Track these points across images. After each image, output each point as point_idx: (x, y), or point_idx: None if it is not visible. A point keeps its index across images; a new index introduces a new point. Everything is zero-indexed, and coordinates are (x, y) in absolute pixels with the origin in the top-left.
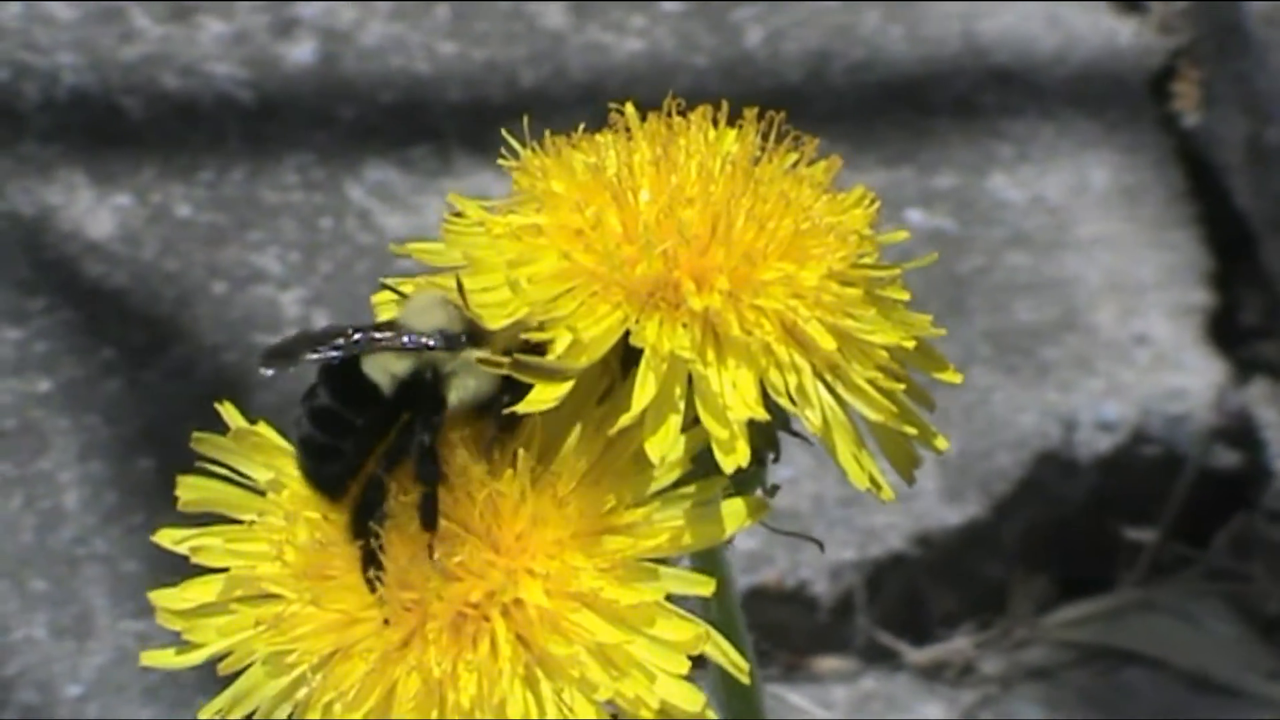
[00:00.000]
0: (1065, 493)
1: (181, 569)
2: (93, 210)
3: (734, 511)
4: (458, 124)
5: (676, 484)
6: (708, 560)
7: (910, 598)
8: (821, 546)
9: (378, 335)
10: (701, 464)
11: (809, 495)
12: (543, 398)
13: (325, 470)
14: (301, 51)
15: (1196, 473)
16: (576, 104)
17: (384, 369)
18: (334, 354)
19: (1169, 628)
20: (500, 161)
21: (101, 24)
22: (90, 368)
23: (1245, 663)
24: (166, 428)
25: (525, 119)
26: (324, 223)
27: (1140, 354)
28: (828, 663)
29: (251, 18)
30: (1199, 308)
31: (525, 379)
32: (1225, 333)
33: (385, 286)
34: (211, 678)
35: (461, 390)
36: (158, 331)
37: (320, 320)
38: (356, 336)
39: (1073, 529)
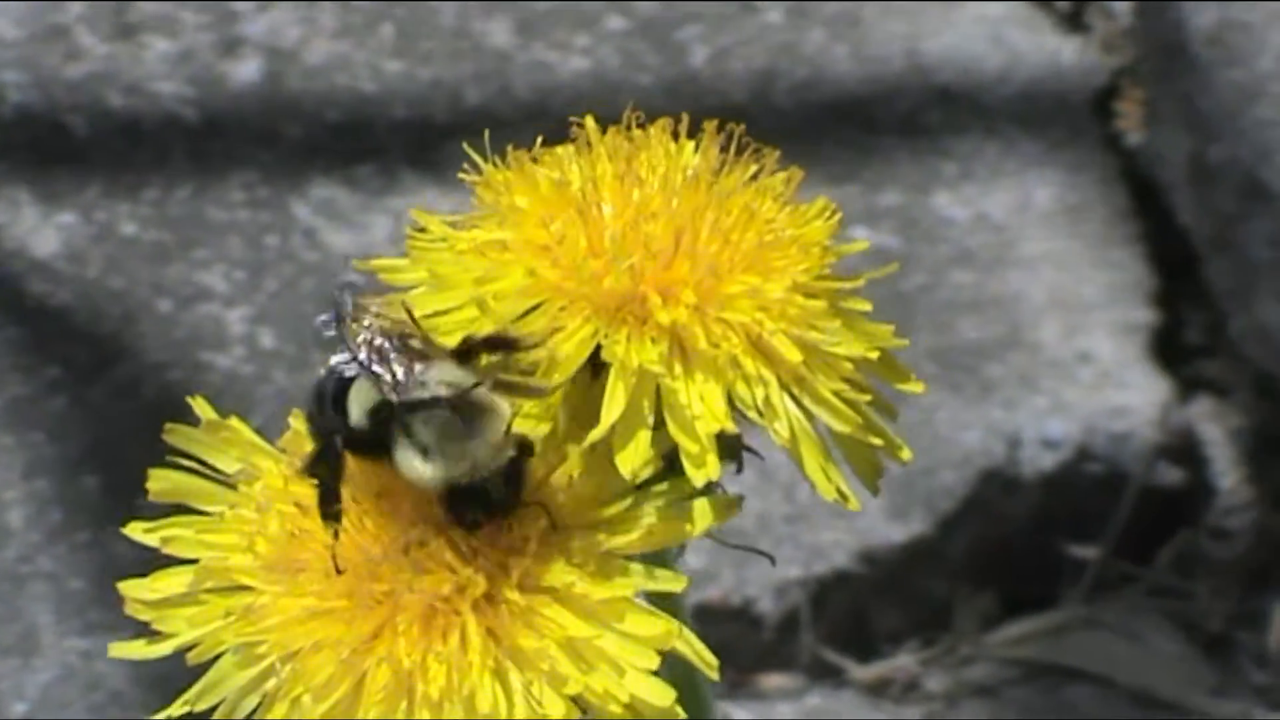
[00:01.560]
0: (1009, 510)
1: None
2: (37, 228)
3: (703, 510)
4: (403, 142)
5: (649, 481)
6: (659, 559)
7: (855, 615)
8: (772, 560)
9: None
10: (671, 463)
11: (754, 512)
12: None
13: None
14: (246, 70)
15: (1140, 490)
16: (522, 122)
17: (359, 396)
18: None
19: (1113, 645)
20: (461, 175)
21: (46, 42)
22: (35, 385)
23: (1188, 679)
24: (112, 445)
25: (484, 134)
26: (270, 241)
27: (1084, 372)
28: (773, 680)
29: (196, 36)
30: (1142, 326)
31: (509, 397)
32: (1169, 351)
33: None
34: (158, 695)
35: (408, 455)
36: (103, 349)
37: (265, 339)
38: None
39: (1017, 546)
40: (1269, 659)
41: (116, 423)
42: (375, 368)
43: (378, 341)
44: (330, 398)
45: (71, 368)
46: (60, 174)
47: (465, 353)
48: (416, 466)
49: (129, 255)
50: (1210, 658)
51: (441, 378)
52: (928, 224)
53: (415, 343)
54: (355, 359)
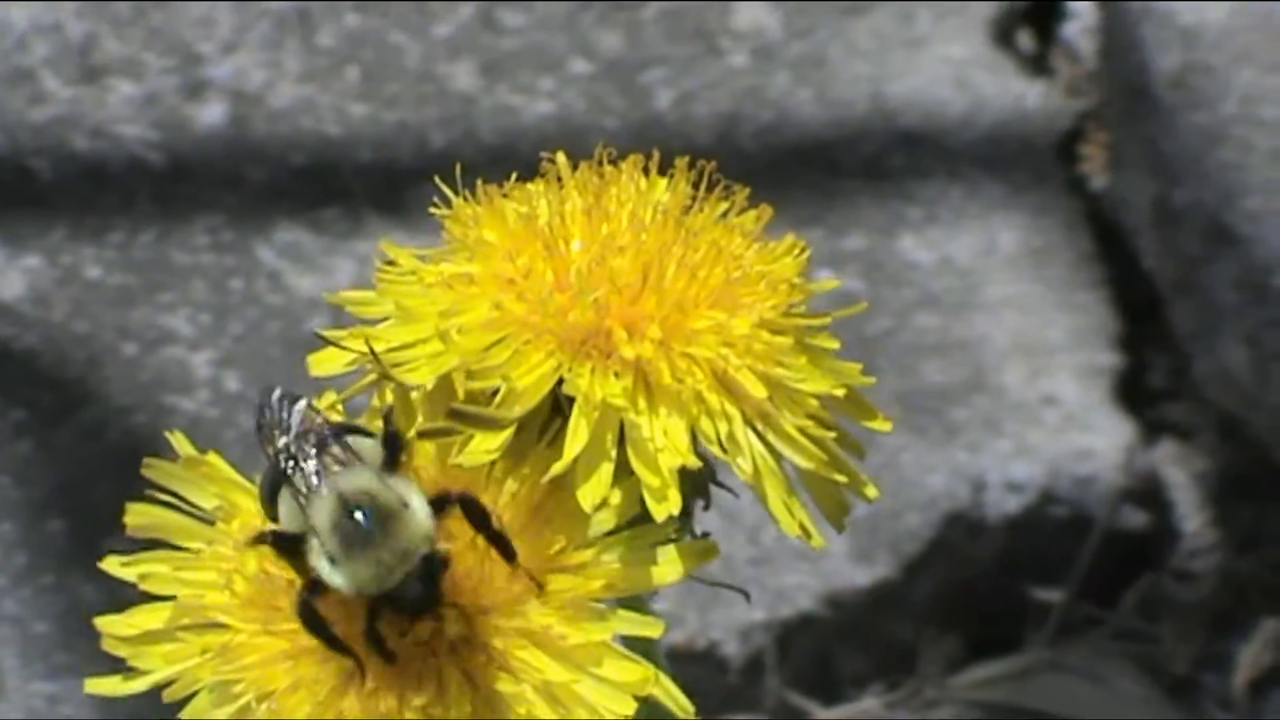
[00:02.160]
0: (974, 553)
1: (91, 633)
2: (2, 271)
3: (673, 557)
4: (368, 185)
5: (623, 527)
6: (634, 603)
7: (820, 658)
8: (747, 596)
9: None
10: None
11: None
12: (484, 447)
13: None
14: (211, 113)
15: (1104, 533)
16: (488, 165)
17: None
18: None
19: (1077, 688)
20: (432, 210)
21: (10, 86)
22: (0, 429)
23: None
24: (77, 489)
25: (451, 178)
26: (234, 284)
27: (1049, 415)
28: None
29: (161, 79)
30: (1107, 369)
31: (464, 428)
32: (1133, 394)
33: (320, 338)
34: None
35: (321, 562)
36: (68, 393)
37: (231, 382)
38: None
39: (981, 589)
40: (1233, 702)
41: (82, 466)
42: (290, 471)
43: (295, 445)
44: (267, 493)
45: (37, 411)
46: (25, 217)
47: (394, 445)
48: (326, 574)
49: (94, 299)
50: (1175, 700)
51: (354, 484)
52: (892, 267)
53: (335, 447)
54: (271, 462)
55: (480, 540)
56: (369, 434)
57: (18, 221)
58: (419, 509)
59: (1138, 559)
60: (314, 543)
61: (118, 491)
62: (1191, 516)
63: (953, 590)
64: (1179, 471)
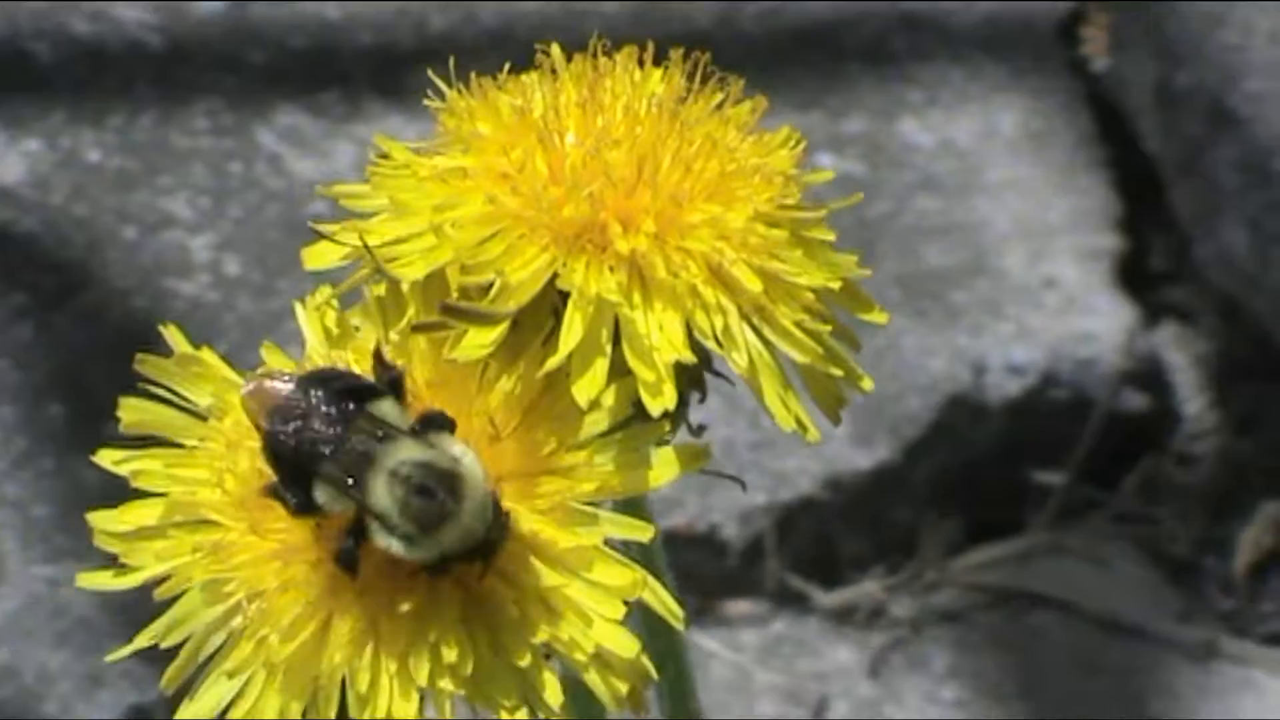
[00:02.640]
0: (975, 436)
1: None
2: (2, 155)
3: (668, 460)
4: (368, 69)
5: (616, 428)
6: (630, 504)
7: (821, 542)
8: (743, 485)
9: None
10: (642, 409)
11: (719, 439)
12: (477, 342)
13: None
14: None
15: (1105, 416)
16: (487, 49)
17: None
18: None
19: (1078, 571)
20: (426, 102)
21: None
22: (0, 312)
23: (1154, 605)
24: (76, 372)
25: (450, 61)
26: (234, 168)
27: (1049, 298)
28: (738, 606)
29: None
30: (1108, 252)
31: (457, 324)
32: (1134, 277)
33: (314, 231)
34: (124, 623)
35: (390, 542)
36: (67, 276)
37: (230, 266)
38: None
39: (982, 473)
40: (1234, 584)
41: (82, 350)
42: (320, 458)
43: (311, 428)
44: (288, 480)
45: (36, 295)
46: (24, 101)
47: (399, 388)
48: (401, 550)
49: (93, 182)
50: (1176, 583)
51: (401, 457)
52: (893, 150)
53: (361, 420)
54: (286, 449)
55: None
56: (373, 387)
57: (17, 105)
58: (464, 454)
59: (1138, 442)
60: (375, 524)
61: (117, 375)
62: (1192, 399)
63: (953, 473)
64: (1180, 354)
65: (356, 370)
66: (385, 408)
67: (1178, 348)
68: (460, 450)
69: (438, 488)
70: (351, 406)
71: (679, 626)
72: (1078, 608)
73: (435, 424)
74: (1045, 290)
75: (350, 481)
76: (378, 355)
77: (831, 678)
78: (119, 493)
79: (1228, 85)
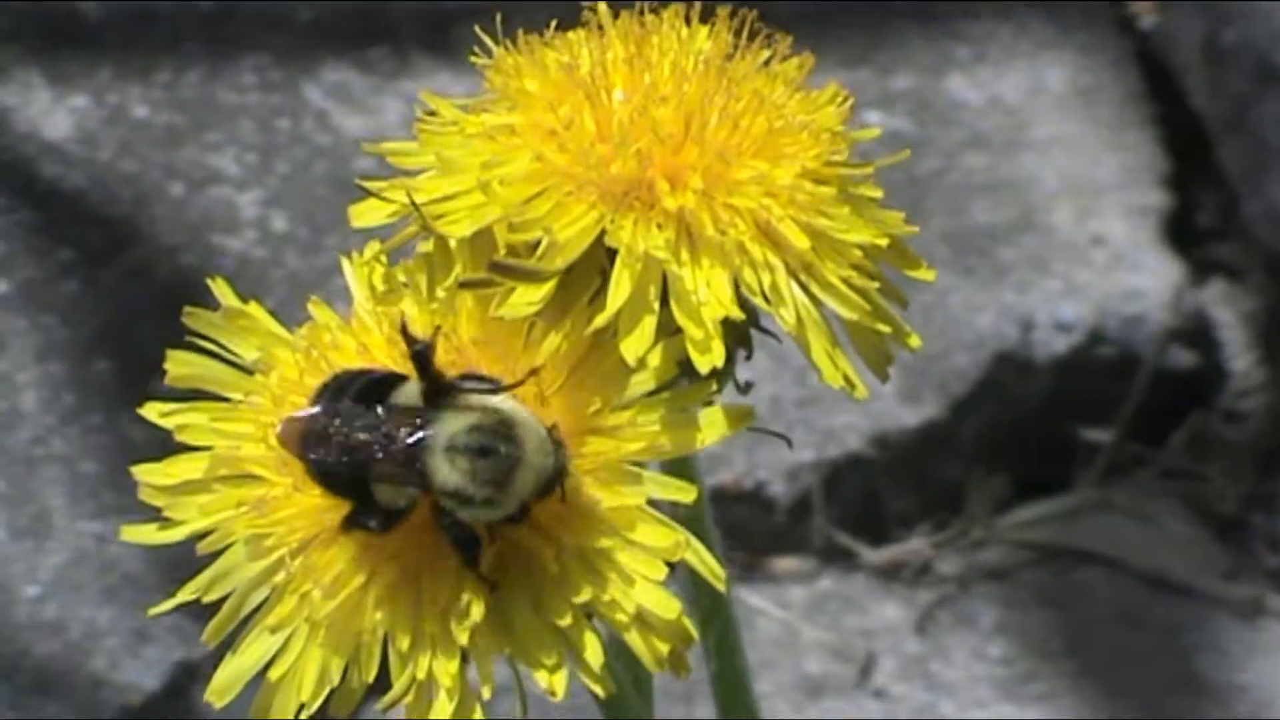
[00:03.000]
0: (1022, 393)
1: None
2: (49, 111)
3: (715, 419)
4: (416, 25)
5: (662, 388)
6: (677, 463)
7: (868, 498)
8: (789, 442)
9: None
10: (688, 369)
11: (767, 397)
12: (524, 300)
13: None
14: None
15: (1153, 373)
16: (534, 6)
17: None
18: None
19: (1125, 528)
20: (472, 59)
21: None
22: (47, 269)
23: (1201, 562)
24: (124, 328)
25: (497, 18)
26: (281, 124)
27: (1097, 255)
28: (785, 563)
29: None
30: (1155, 209)
31: (503, 281)
32: (1181, 233)
33: (361, 188)
34: (170, 578)
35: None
36: (115, 232)
37: (278, 222)
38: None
39: (1029, 429)
40: None
41: (129, 306)
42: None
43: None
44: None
45: (84, 251)
46: (72, 57)
47: (428, 369)
48: (486, 516)
49: (141, 138)
50: (1223, 541)
51: (453, 429)
52: (941, 107)
53: (403, 416)
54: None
55: None
56: (391, 376)
57: (65, 61)
58: (502, 402)
59: (1186, 398)
60: (450, 503)
61: (165, 331)
62: (1240, 356)
63: (1000, 430)
64: (1227, 311)
65: (367, 365)
66: (410, 391)
67: (1225, 304)
68: (496, 400)
69: (497, 443)
70: (379, 406)
71: (721, 588)
72: (1124, 565)
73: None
74: (1093, 247)
75: (410, 474)
76: (404, 329)
77: (878, 634)
78: (166, 449)
79: (1275, 42)
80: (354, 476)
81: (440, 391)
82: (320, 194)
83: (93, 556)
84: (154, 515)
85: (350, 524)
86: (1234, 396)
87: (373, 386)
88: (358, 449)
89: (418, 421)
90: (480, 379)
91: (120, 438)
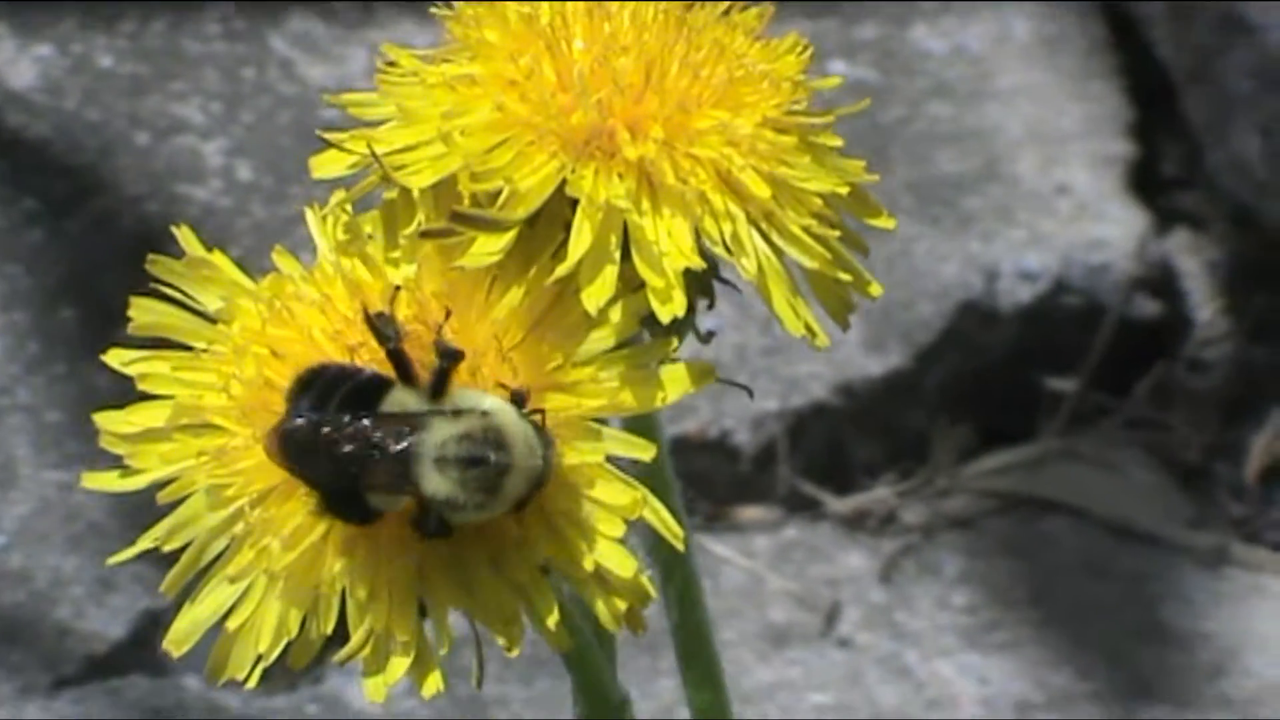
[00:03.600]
0: (987, 342)
1: None
2: (14, 61)
3: (677, 376)
4: None
5: (623, 345)
6: (641, 417)
7: (832, 447)
8: (750, 393)
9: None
10: (650, 322)
11: (731, 345)
12: (485, 250)
13: None
14: None
15: (1117, 323)
16: None
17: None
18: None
19: (1089, 477)
20: (432, 9)
21: None
22: (12, 218)
23: (1165, 511)
24: (89, 277)
25: None
26: (246, 73)
27: (1062, 204)
28: (750, 512)
29: None
30: (1120, 158)
31: (464, 230)
32: (1146, 183)
33: (322, 140)
34: (135, 527)
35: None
36: (80, 182)
37: (243, 171)
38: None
39: (994, 379)
40: (1246, 491)
41: (94, 255)
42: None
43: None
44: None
45: (48, 200)
46: (36, 6)
47: (404, 364)
48: (475, 517)
49: (106, 87)
50: (1187, 489)
51: (438, 439)
52: (905, 56)
53: (388, 425)
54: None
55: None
56: (377, 379)
57: (29, 10)
58: (489, 403)
59: (1150, 348)
60: (440, 507)
61: (129, 280)
62: (1204, 305)
63: (965, 379)
64: (1192, 260)
65: (349, 365)
66: (398, 397)
67: (1190, 254)
68: (487, 403)
69: (486, 451)
70: (365, 417)
71: (679, 547)
72: (1089, 514)
73: (447, 358)
74: (1057, 196)
75: (402, 483)
76: (371, 322)
77: (843, 583)
78: (131, 398)
79: None
80: (346, 487)
81: (424, 389)
82: (285, 143)
83: (57, 505)
84: (118, 464)
85: (330, 513)
86: (1198, 345)
87: (358, 392)
88: (347, 461)
89: (406, 430)
90: (448, 352)
91: (85, 387)
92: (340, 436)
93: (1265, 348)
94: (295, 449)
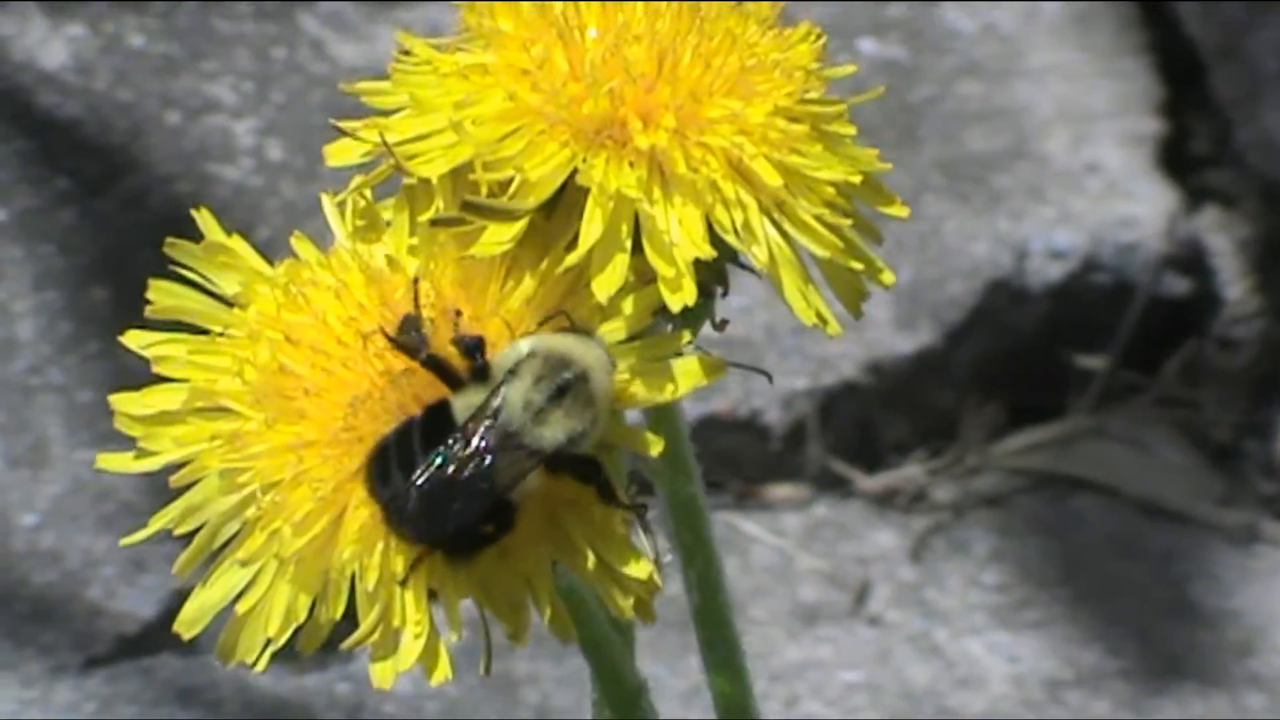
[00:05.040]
0: (1017, 321)
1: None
2: (46, 40)
3: (689, 369)
4: None
5: (636, 336)
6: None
7: (862, 426)
8: (770, 378)
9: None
10: (667, 314)
11: (762, 324)
12: (496, 239)
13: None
14: None
15: (1147, 300)
16: None
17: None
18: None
19: (1119, 455)
20: None
21: None
22: (44, 198)
23: (1194, 489)
24: (120, 257)
25: None
26: (277, 53)
27: (1091, 182)
28: (780, 491)
29: None
30: (1150, 136)
31: (475, 219)
32: (1176, 161)
33: (336, 128)
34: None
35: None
36: (111, 161)
37: (274, 151)
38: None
39: (1024, 357)
40: (1275, 468)
41: (125, 234)
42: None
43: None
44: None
45: (80, 180)
46: None
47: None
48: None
49: (137, 67)
50: (1217, 467)
51: (517, 401)
52: (935, 35)
53: (480, 421)
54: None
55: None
56: (436, 403)
57: None
58: (527, 342)
59: (1180, 326)
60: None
61: (161, 260)
62: (1233, 283)
63: (995, 358)
64: (1221, 238)
65: (401, 419)
66: (460, 403)
67: (1219, 232)
68: (524, 346)
69: (560, 375)
70: (455, 438)
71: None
72: (1119, 492)
73: (472, 349)
74: (1087, 175)
75: (527, 460)
76: (397, 341)
77: (873, 562)
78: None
79: None
80: (479, 511)
81: (472, 377)
82: (316, 123)
83: (90, 485)
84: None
85: (473, 544)
86: (1228, 323)
87: (428, 427)
88: (479, 479)
89: (491, 419)
90: (471, 344)
91: (117, 366)
92: (459, 464)
93: None
94: (431, 510)
